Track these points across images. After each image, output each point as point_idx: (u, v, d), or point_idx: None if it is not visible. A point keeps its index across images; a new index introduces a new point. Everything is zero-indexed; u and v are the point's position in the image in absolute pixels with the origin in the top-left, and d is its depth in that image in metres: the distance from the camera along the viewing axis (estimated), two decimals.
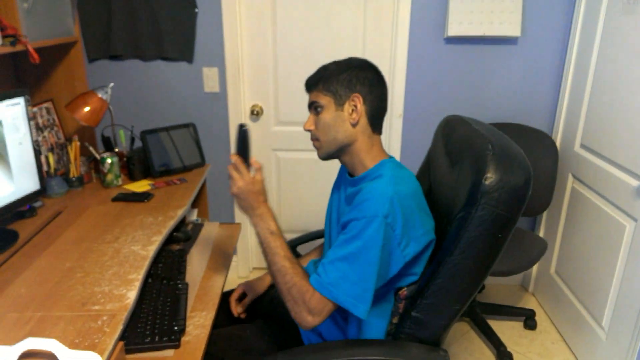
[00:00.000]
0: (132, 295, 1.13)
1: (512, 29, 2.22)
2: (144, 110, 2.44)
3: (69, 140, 1.88)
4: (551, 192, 2.20)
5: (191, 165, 1.99)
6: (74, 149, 1.80)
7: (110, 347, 0.94)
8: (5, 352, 0.87)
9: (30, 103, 1.54)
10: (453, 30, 2.23)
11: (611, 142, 1.89)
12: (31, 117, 1.53)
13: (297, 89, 2.42)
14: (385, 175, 1.14)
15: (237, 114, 2.42)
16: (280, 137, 2.52)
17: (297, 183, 2.60)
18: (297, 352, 1.17)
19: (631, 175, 1.76)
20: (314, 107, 1.21)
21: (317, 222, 2.48)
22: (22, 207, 1.54)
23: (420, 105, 2.40)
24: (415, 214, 1.12)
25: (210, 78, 2.38)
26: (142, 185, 1.84)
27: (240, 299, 1.48)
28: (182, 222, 1.76)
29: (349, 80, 1.17)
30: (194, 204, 2.08)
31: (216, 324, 1.27)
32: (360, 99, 1.16)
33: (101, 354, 0.91)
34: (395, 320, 1.20)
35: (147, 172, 1.91)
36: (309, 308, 1.07)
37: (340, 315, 1.23)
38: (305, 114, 1.29)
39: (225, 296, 1.47)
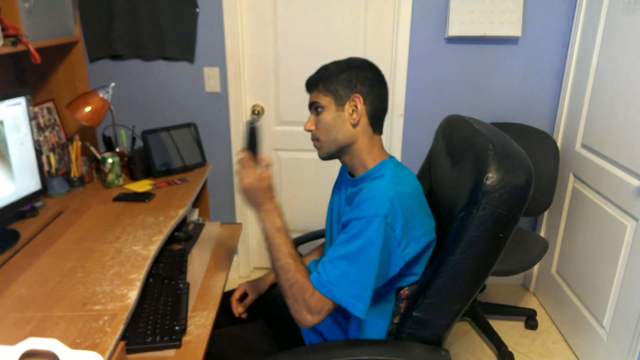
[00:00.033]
0: (133, 295, 1.13)
1: (513, 29, 2.21)
2: (145, 110, 2.45)
3: (70, 140, 1.88)
4: (552, 192, 2.19)
5: (192, 165, 1.99)
6: (75, 148, 1.80)
7: (111, 347, 0.94)
8: (7, 352, 0.87)
9: (31, 103, 1.54)
10: (454, 30, 2.23)
11: (612, 142, 1.89)
12: (32, 117, 1.53)
13: (298, 89, 2.42)
14: (386, 175, 1.14)
15: (238, 114, 2.42)
16: (281, 137, 2.52)
17: (297, 183, 2.60)
18: (299, 352, 1.17)
19: (632, 175, 1.76)
20: (314, 107, 1.21)
21: (318, 222, 2.47)
22: (23, 207, 1.54)
23: (421, 105, 2.40)
24: (415, 214, 1.12)
25: (211, 78, 2.38)
26: (143, 185, 1.84)
27: (242, 299, 1.48)
28: (183, 222, 1.76)
29: (349, 80, 1.17)
30: (195, 204, 2.08)
31: (217, 324, 1.27)
32: (361, 99, 1.16)
33: (102, 353, 0.91)
34: (396, 320, 1.20)
35: (148, 172, 1.92)
36: (308, 307, 1.08)
37: (341, 315, 1.23)
38: (306, 113, 1.29)
39: (227, 296, 1.47)
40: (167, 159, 1.92)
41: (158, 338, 1.10)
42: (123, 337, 1.05)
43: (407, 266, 1.13)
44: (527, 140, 2.23)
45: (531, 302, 2.53)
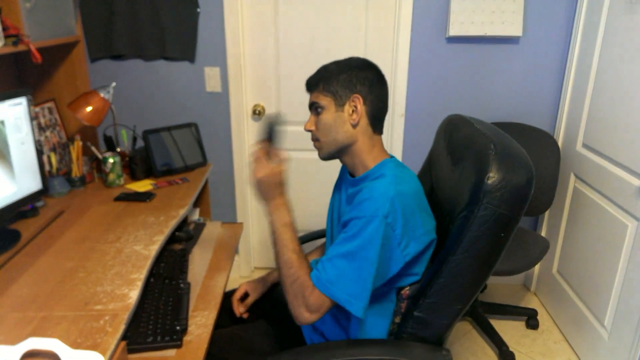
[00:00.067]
0: (134, 294, 1.13)
1: (514, 28, 2.21)
2: (146, 110, 2.45)
3: (71, 139, 1.89)
4: (553, 191, 2.19)
5: (193, 165, 1.99)
6: (76, 148, 1.80)
7: (112, 346, 0.94)
8: (8, 352, 0.87)
9: (32, 103, 1.54)
10: (455, 30, 2.23)
11: (613, 142, 1.89)
12: (33, 117, 1.53)
13: (298, 89, 2.42)
14: (387, 175, 1.14)
15: (239, 114, 2.42)
16: (282, 137, 2.51)
17: (298, 183, 2.60)
18: (300, 352, 1.17)
19: (633, 175, 1.76)
20: (314, 107, 1.21)
21: (318, 222, 2.47)
22: (25, 207, 1.54)
23: (422, 104, 2.39)
24: (416, 214, 1.12)
25: (212, 78, 2.38)
26: (144, 185, 1.84)
27: (243, 299, 1.48)
28: (184, 222, 1.76)
29: (349, 80, 1.17)
30: (196, 204, 2.08)
31: (218, 324, 1.27)
32: (361, 99, 1.16)
33: (103, 353, 0.91)
34: (397, 319, 1.20)
35: (149, 172, 1.92)
36: (307, 304, 1.08)
37: (342, 315, 1.23)
38: (306, 113, 1.29)
39: (228, 296, 1.47)
40: (168, 158, 1.92)
41: (159, 338, 1.10)
42: (124, 337, 1.05)
43: (407, 266, 1.13)
44: (528, 139, 2.23)
45: (532, 302, 2.53)
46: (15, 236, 1.42)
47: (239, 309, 1.45)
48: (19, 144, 1.45)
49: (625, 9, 1.83)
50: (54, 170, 1.75)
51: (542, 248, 2.10)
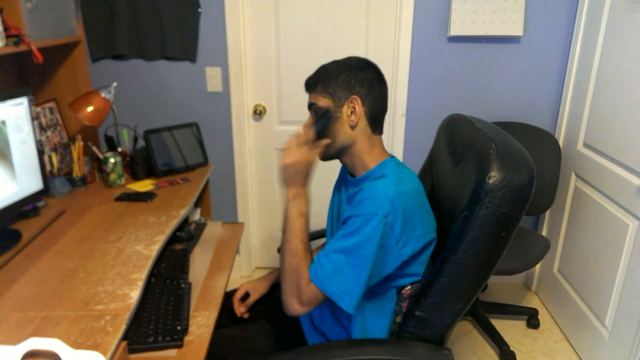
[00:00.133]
0: (135, 294, 1.13)
1: (515, 28, 2.21)
2: (147, 110, 2.45)
3: (72, 139, 1.89)
4: (554, 191, 2.19)
5: (194, 165, 1.99)
6: (77, 148, 1.80)
7: (113, 346, 0.95)
8: (9, 352, 0.88)
9: (33, 103, 1.54)
10: (456, 29, 2.23)
11: (614, 141, 1.89)
12: (34, 117, 1.54)
13: (299, 89, 2.42)
14: (389, 175, 1.14)
15: (240, 114, 2.42)
16: (283, 137, 2.52)
17: None
18: (301, 352, 1.17)
19: (634, 174, 1.76)
20: (313, 108, 1.21)
21: (319, 221, 2.47)
22: (26, 207, 1.54)
23: (423, 104, 2.39)
24: (416, 214, 1.12)
25: (213, 78, 2.38)
26: (145, 185, 1.84)
27: (243, 299, 1.48)
28: (185, 222, 1.76)
29: (348, 81, 1.16)
30: (197, 204, 2.08)
31: (219, 324, 1.27)
32: (359, 100, 1.16)
33: (104, 353, 0.91)
34: (398, 319, 1.20)
35: (150, 172, 1.92)
36: (300, 296, 1.09)
37: (343, 314, 1.23)
38: (307, 113, 1.29)
39: (228, 296, 1.47)
40: (169, 158, 1.92)
41: (160, 338, 1.10)
42: (125, 337, 1.05)
43: (404, 265, 1.13)
44: (529, 139, 2.23)
45: (533, 302, 2.53)
46: (16, 236, 1.42)
47: (240, 309, 1.45)
48: (20, 144, 1.45)
49: (627, 8, 1.83)
50: (55, 170, 1.75)
51: (542, 247, 2.10)
